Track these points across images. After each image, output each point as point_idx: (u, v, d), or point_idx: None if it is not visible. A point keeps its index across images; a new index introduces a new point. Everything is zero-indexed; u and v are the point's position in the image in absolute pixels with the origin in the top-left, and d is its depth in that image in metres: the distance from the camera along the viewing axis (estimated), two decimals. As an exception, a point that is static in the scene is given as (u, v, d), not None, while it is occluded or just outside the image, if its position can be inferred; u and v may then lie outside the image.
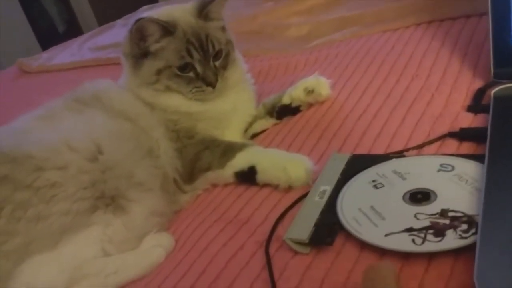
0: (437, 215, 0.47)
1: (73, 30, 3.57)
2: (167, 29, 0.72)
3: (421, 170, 0.55)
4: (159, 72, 0.73)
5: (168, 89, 0.74)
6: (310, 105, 0.80)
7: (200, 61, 0.73)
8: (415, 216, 0.48)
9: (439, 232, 0.45)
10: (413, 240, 0.45)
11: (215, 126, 0.77)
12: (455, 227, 0.45)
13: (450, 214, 0.47)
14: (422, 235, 0.45)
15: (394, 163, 0.57)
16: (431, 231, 0.46)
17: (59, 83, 1.46)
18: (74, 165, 0.61)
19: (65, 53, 1.82)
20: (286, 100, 0.81)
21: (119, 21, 2.06)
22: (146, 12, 1.96)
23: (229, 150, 0.70)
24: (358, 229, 0.49)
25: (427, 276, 0.43)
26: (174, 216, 0.70)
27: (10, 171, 0.59)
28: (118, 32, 1.87)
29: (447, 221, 0.46)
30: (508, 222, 0.42)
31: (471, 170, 0.52)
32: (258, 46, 1.20)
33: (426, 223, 0.47)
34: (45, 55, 1.90)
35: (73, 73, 1.56)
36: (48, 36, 3.49)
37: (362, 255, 0.48)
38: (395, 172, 0.55)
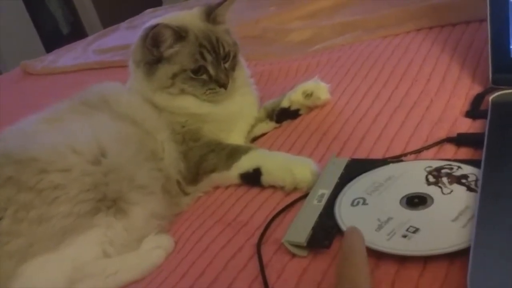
0: None
1: (77, 32, 3.60)
2: (180, 34, 0.73)
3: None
4: (174, 76, 0.74)
5: (182, 92, 0.76)
6: (310, 109, 0.81)
7: (213, 63, 0.75)
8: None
9: None
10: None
11: (221, 128, 0.78)
12: None
13: None
14: None
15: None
16: None
17: (63, 85, 1.47)
18: (77, 168, 0.62)
19: (69, 56, 1.83)
20: (285, 103, 0.82)
21: (123, 24, 2.08)
22: (150, 15, 1.99)
23: (234, 152, 0.71)
24: None
25: (422, 280, 0.44)
26: (175, 218, 0.71)
27: (15, 173, 0.60)
28: (122, 35, 1.89)
29: None
30: (502, 226, 0.43)
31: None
32: (260, 50, 1.21)
33: None
34: (50, 57, 1.91)
35: (77, 75, 1.57)
36: (53, 38, 3.53)
37: (358, 258, 0.48)
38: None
